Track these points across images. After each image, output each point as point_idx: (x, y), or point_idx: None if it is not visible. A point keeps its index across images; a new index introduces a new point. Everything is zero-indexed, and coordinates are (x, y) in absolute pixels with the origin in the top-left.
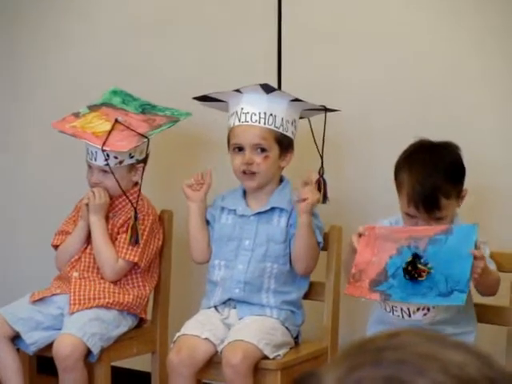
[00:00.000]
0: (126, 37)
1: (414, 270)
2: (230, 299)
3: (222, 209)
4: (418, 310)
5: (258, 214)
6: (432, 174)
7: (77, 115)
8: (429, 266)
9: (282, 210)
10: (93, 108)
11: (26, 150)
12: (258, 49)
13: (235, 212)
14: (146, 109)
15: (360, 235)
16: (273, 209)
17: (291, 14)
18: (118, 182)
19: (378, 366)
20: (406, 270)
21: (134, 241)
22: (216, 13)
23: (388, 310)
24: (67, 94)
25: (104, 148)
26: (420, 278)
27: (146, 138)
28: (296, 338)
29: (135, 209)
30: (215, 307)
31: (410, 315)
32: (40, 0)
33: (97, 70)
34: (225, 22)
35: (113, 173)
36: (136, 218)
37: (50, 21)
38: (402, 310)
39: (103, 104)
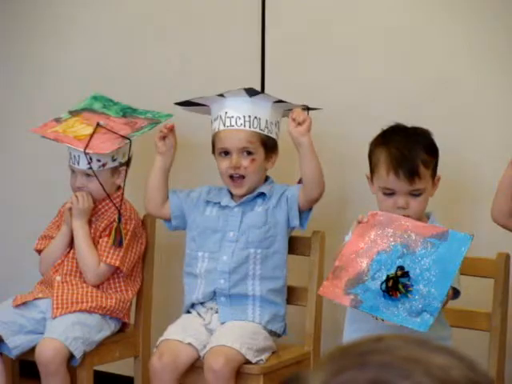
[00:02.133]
0: (111, 40)
1: (392, 287)
2: (214, 294)
3: (207, 202)
4: None
5: (242, 203)
6: (410, 143)
7: (58, 120)
8: (409, 289)
9: (264, 196)
10: (74, 113)
11: (13, 151)
12: (242, 51)
13: (220, 204)
14: (127, 112)
15: (359, 223)
16: (255, 197)
17: (275, 16)
18: (101, 185)
19: (362, 369)
20: (386, 283)
21: (118, 242)
22: (199, 14)
23: None
24: (61, 95)
25: (86, 151)
26: (392, 296)
27: (128, 139)
28: (284, 332)
29: (119, 211)
30: (198, 313)
31: (383, 319)
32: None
33: (73, 76)
34: (208, 24)
35: (96, 176)
36: (120, 219)
37: (45, 21)
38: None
39: (84, 109)
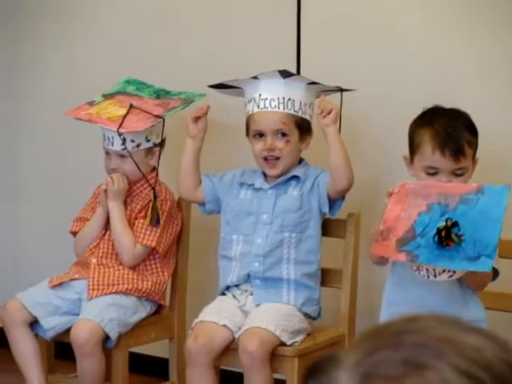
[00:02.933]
0: (137, 25)
1: (446, 238)
2: (248, 276)
3: (241, 184)
4: (444, 271)
5: (276, 186)
6: (454, 122)
7: (91, 104)
8: (462, 237)
9: (298, 179)
10: (107, 96)
11: (34, 136)
12: (277, 35)
13: (253, 186)
14: (161, 94)
15: (391, 194)
16: (289, 180)
17: (310, 2)
18: (136, 164)
19: (396, 349)
20: (438, 233)
21: (155, 221)
22: (233, 2)
23: (414, 268)
24: (74, 82)
25: (120, 130)
26: (447, 247)
27: (161, 118)
28: (318, 315)
29: (154, 189)
30: (233, 295)
31: (435, 276)
32: None
33: (105, 60)
34: (243, 7)
35: (131, 156)
36: (155, 198)
37: (52, 11)
38: (427, 270)
39: (117, 92)
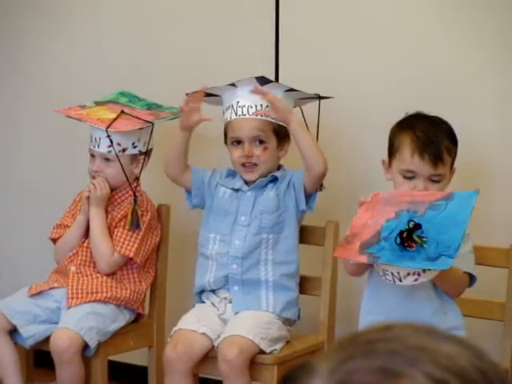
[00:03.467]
0: (124, 32)
1: (407, 239)
2: (226, 279)
3: (221, 185)
4: (409, 274)
5: (255, 188)
6: (435, 128)
7: (83, 107)
8: (424, 239)
9: (275, 180)
10: (99, 103)
11: (21, 140)
12: (256, 42)
13: (233, 187)
14: (152, 107)
15: (362, 204)
16: (267, 182)
17: (289, 5)
18: (122, 167)
19: (370, 357)
20: (400, 235)
21: (135, 226)
22: (213, 4)
23: (381, 274)
24: (66, 87)
25: (109, 129)
26: (409, 249)
27: (151, 123)
28: (298, 318)
29: (134, 193)
30: (212, 303)
31: (400, 280)
32: None
33: (94, 67)
34: (221, 14)
35: (118, 158)
36: (135, 201)
37: (52, 19)
38: (392, 274)
39: (109, 101)
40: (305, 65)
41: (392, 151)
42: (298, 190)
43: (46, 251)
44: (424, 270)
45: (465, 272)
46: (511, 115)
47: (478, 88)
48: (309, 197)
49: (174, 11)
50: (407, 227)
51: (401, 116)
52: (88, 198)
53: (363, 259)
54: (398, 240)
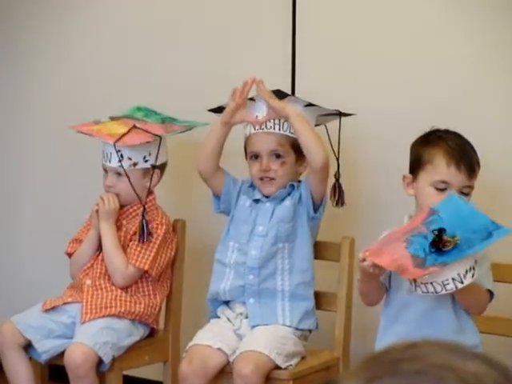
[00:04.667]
0: (132, 39)
1: (440, 243)
2: (243, 289)
3: (243, 194)
4: (467, 272)
5: (274, 198)
6: (464, 141)
7: (97, 123)
8: (456, 237)
9: (293, 188)
10: (114, 118)
11: (37, 153)
12: (272, 54)
13: (253, 197)
14: (166, 120)
15: (364, 260)
16: (286, 195)
17: (306, 19)
18: (130, 182)
19: (396, 377)
20: (432, 244)
21: (143, 238)
22: (229, 17)
23: (439, 289)
24: (80, 98)
25: (117, 144)
26: (445, 248)
27: (159, 136)
28: (316, 327)
29: (144, 206)
30: (228, 318)
31: (462, 282)
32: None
33: (99, 74)
34: (238, 26)
35: (126, 173)
36: (143, 215)
37: (52, 21)
38: (453, 280)
39: (125, 116)
40: (322, 79)
41: (420, 164)
42: (305, 197)
43: (61, 266)
44: (475, 261)
45: (486, 290)
46: None
47: (499, 109)
48: (318, 203)
49: (190, 23)
50: (434, 235)
51: (418, 132)
52: (97, 211)
53: (434, 270)
54: (433, 249)
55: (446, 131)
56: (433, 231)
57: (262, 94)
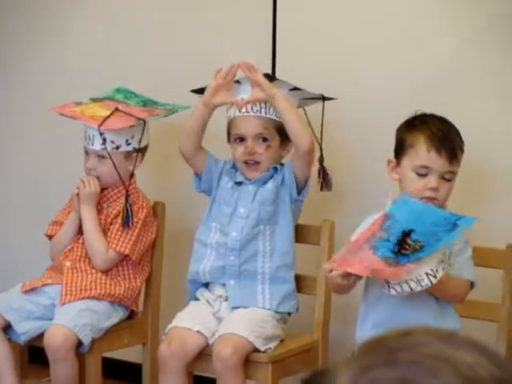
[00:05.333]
0: (122, 31)
1: (400, 245)
2: (223, 270)
3: (225, 174)
4: (438, 265)
5: (256, 181)
6: (448, 127)
7: (78, 104)
8: (418, 243)
9: (276, 171)
10: (95, 100)
11: (20, 137)
12: (253, 41)
13: (235, 180)
14: (148, 103)
15: (331, 271)
16: (269, 178)
17: (286, 3)
18: (114, 165)
19: (391, 366)
20: (398, 246)
21: (126, 223)
22: (211, 4)
23: (414, 285)
24: (63, 85)
25: (101, 128)
26: (404, 251)
27: (143, 120)
28: (297, 310)
29: (127, 191)
30: (207, 301)
31: (435, 276)
32: None
33: (93, 65)
34: (219, 13)
35: (110, 156)
36: (127, 199)
37: (47, 13)
38: (427, 274)
39: (105, 98)
40: (303, 65)
41: (403, 149)
42: (288, 179)
43: (41, 247)
44: (444, 254)
45: (466, 280)
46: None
47: (481, 88)
48: (302, 186)
49: (171, 9)
50: (397, 239)
51: (401, 116)
52: (78, 195)
53: (405, 268)
54: (396, 250)
55: (431, 116)
56: (397, 235)
57: (254, 74)
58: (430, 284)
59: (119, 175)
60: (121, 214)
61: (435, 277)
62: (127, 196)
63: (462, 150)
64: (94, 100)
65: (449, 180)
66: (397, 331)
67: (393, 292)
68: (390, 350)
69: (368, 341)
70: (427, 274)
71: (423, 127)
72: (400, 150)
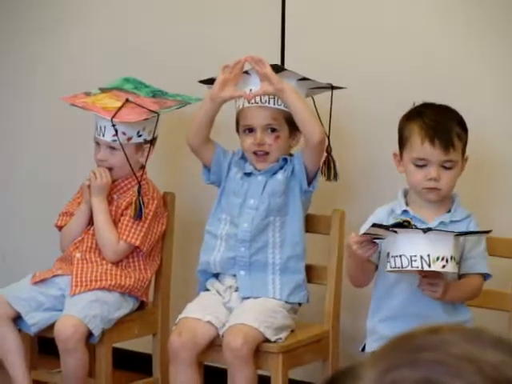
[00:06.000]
0: (129, 22)
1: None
2: (234, 261)
3: (234, 165)
4: (438, 259)
5: (266, 172)
6: (444, 115)
7: (88, 94)
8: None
9: (285, 162)
10: (104, 90)
11: (27, 127)
12: (262, 26)
13: (244, 171)
14: (157, 94)
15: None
16: (278, 169)
17: None
18: (126, 156)
19: (414, 366)
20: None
21: (138, 215)
22: None
23: (406, 263)
24: (69, 77)
25: (114, 120)
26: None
27: (156, 113)
28: (307, 301)
29: (139, 182)
30: (217, 291)
31: (429, 265)
32: None
33: (99, 56)
34: (228, 2)
35: (123, 147)
36: (139, 192)
37: (52, 5)
38: (422, 258)
39: (115, 88)
40: (311, 52)
41: (402, 142)
42: (299, 170)
43: (50, 238)
44: (452, 258)
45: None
46: None
47: (485, 77)
48: (312, 177)
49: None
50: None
51: (410, 105)
52: (89, 186)
53: None
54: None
55: (430, 105)
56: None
57: (262, 67)
58: (420, 268)
59: (131, 167)
60: (132, 207)
61: (429, 266)
62: (139, 188)
63: (461, 138)
64: (102, 90)
65: (450, 168)
66: (424, 329)
67: (387, 267)
68: (415, 349)
69: (394, 338)
70: (422, 257)
71: (417, 119)
72: (400, 142)
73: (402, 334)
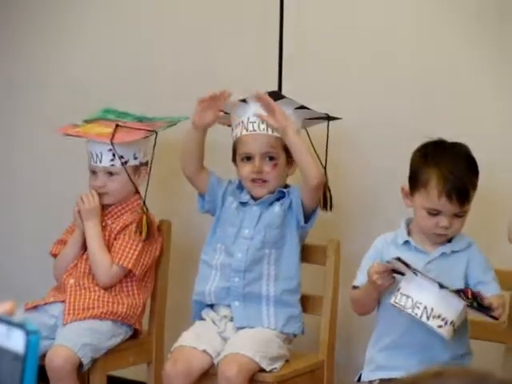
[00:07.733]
0: (123, 39)
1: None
2: (228, 291)
3: (229, 195)
4: (438, 317)
5: (261, 203)
6: (460, 165)
7: (76, 125)
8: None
9: (283, 195)
10: (89, 121)
11: (29, 145)
12: (259, 53)
13: (240, 200)
14: (143, 119)
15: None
16: (275, 198)
17: (294, 16)
18: (129, 176)
19: None
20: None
21: (140, 232)
22: (216, 13)
23: (409, 305)
24: (66, 91)
25: (113, 141)
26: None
27: (154, 131)
28: (302, 332)
29: (145, 203)
30: (212, 321)
31: (428, 318)
32: None
33: (96, 69)
34: (224, 24)
35: (125, 168)
36: (146, 212)
37: (49, 17)
38: (425, 308)
39: (98, 119)
40: (309, 81)
41: (416, 183)
42: (296, 206)
43: (45, 268)
44: (451, 323)
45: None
46: None
47: (488, 104)
48: (309, 213)
49: (178, 18)
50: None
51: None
52: (79, 212)
53: None
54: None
55: (443, 147)
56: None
57: (265, 101)
58: (419, 318)
59: (135, 186)
60: (144, 227)
61: (428, 319)
62: (145, 208)
63: (474, 187)
64: (87, 121)
65: (461, 216)
66: (429, 371)
67: (392, 299)
68: None
69: (399, 381)
70: (426, 307)
71: (434, 168)
72: (413, 182)
73: (407, 377)
